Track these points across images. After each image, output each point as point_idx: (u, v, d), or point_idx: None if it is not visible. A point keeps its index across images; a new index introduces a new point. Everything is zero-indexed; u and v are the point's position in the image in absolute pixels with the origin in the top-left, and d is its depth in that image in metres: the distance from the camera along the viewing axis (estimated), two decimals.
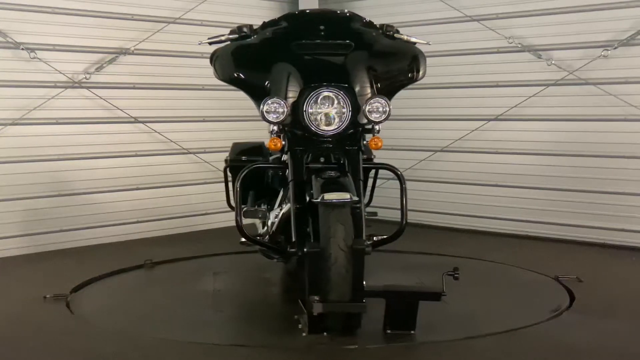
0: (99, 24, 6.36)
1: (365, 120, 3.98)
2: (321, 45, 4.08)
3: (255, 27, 4.25)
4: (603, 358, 3.63)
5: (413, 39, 4.33)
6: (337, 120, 3.95)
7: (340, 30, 4.14)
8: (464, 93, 6.87)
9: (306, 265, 3.72)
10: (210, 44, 4.30)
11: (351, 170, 3.96)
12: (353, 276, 3.60)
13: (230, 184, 5.08)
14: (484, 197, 6.76)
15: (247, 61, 4.19)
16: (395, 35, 4.29)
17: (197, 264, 5.69)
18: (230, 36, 4.24)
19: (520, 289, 4.86)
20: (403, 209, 4.05)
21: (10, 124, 5.94)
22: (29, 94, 6.01)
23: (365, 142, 4.09)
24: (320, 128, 3.94)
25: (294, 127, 3.97)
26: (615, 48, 5.97)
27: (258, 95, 4.04)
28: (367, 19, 4.29)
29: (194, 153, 6.97)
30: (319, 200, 3.65)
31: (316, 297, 3.58)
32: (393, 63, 4.26)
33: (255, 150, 5.06)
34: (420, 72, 4.24)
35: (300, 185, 3.94)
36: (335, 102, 3.94)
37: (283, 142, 3.99)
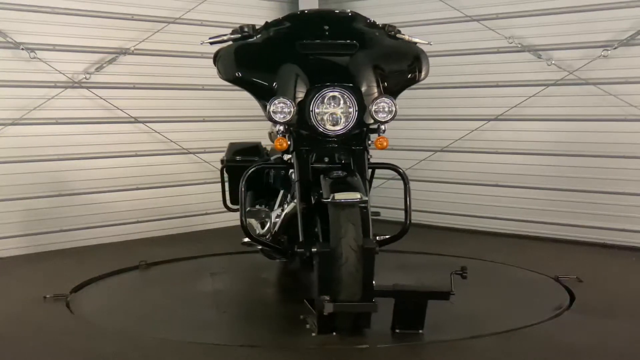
0: (99, 24, 6.36)
1: (371, 120, 3.98)
2: (326, 46, 4.07)
3: (257, 27, 4.24)
4: (603, 358, 3.63)
5: (414, 39, 4.33)
6: (343, 120, 3.95)
7: (344, 31, 4.14)
8: (464, 93, 6.87)
9: (316, 265, 3.70)
10: (211, 43, 4.29)
11: (357, 170, 3.96)
12: (363, 276, 3.60)
13: (227, 184, 5.07)
14: (484, 197, 6.76)
15: (252, 61, 4.17)
16: (397, 35, 4.30)
17: (198, 264, 5.69)
18: (232, 36, 4.24)
19: (520, 289, 4.86)
20: (407, 209, 4.06)
21: (10, 124, 5.94)
22: (29, 94, 6.01)
23: (370, 142, 4.10)
24: (327, 128, 3.94)
25: (300, 127, 3.97)
26: (615, 48, 5.97)
27: (262, 95, 4.05)
28: (371, 19, 4.29)
29: (194, 153, 6.97)
30: (329, 200, 3.65)
31: (326, 297, 3.57)
32: (397, 63, 4.26)
33: (251, 150, 5.06)
34: (423, 72, 4.25)
35: (305, 185, 3.94)
36: (342, 102, 3.94)
37: (289, 142, 3.99)
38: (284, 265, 5.33)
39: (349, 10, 4.35)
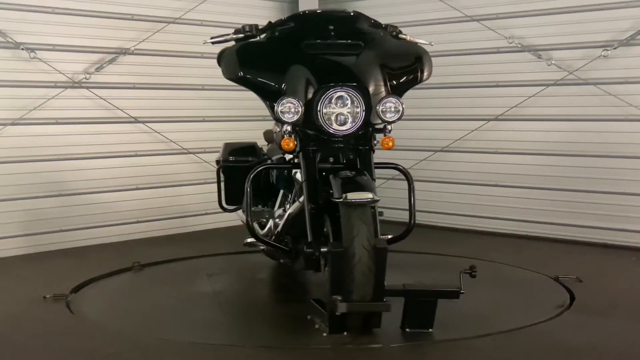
0: (99, 24, 6.36)
1: (378, 120, 3.98)
2: (332, 46, 4.07)
3: (260, 27, 4.24)
4: (603, 358, 3.63)
5: (416, 40, 4.33)
6: (350, 120, 3.94)
7: (349, 31, 4.14)
8: (464, 93, 6.87)
9: (328, 265, 3.69)
10: (213, 43, 4.29)
11: (363, 169, 3.96)
12: (375, 275, 3.60)
13: (222, 185, 5.05)
14: (484, 197, 6.76)
15: (257, 61, 4.15)
16: (399, 35, 4.31)
17: (198, 263, 5.68)
18: (235, 36, 4.23)
19: (520, 289, 4.86)
20: (412, 209, 4.05)
21: (10, 124, 5.94)
22: (29, 94, 6.01)
23: (376, 141, 4.09)
24: (334, 128, 3.94)
25: (307, 127, 3.96)
26: (615, 48, 5.97)
27: (268, 94, 4.04)
28: (374, 19, 4.29)
29: (193, 153, 6.97)
30: (341, 199, 3.64)
31: (339, 297, 3.57)
32: (401, 63, 4.26)
33: (247, 150, 5.04)
34: (427, 72, 4.25)
35: (312, 185, 3.94)
36: (349, 102, 3.93)
37: (296, 142, 3.98)
38: (284, 265, 5.32)
39: (351, 11, 4.35)
